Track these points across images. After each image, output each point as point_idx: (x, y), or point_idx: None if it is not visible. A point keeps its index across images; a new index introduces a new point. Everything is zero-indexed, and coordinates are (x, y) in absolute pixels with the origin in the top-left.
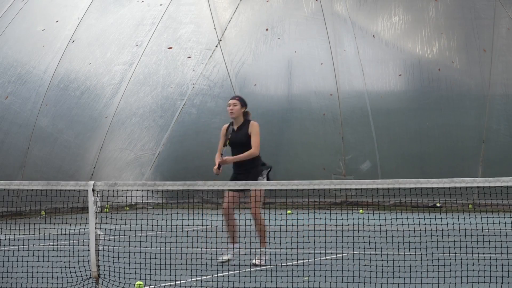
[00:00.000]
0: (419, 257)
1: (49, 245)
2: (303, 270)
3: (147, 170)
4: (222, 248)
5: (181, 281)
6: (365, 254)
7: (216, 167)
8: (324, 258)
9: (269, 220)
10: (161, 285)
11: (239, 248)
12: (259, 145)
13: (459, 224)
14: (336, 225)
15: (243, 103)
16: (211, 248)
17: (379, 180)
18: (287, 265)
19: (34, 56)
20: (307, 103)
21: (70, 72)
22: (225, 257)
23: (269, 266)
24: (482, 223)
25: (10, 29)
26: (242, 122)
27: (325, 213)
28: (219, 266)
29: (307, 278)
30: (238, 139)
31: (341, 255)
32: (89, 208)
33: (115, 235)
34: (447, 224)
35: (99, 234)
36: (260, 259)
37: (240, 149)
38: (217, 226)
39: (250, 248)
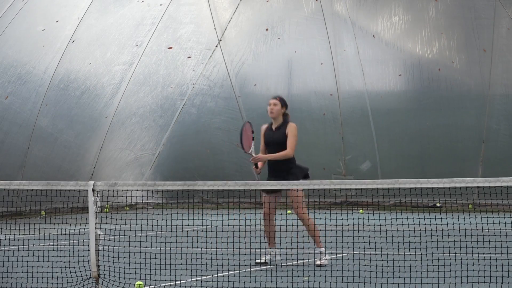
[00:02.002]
0: (419, 257)
1: (49, 245)
2: (303, 270)
3: (147, 170)
4: (255, 249)
5: (181, 281)
6: (365, 254)
7: (254, 167)
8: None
9: None
10: (161, 285)
11: (275, 254)
12: (294, 147)
13: (459, 224)
14: (336, 225)
15: (284, 104)
16: (211, 248)
17: (379, 180)
18: (287, 265)
19: (34, 56)
20: (307, 103)
21: (70, 72)
22: (263, 258)
23: (269, 266)
24: (482, 223)
25: (10, 29)
26: (281, 123)
27: (325, 213)
28: (219, 266)
29: (307, 278)
30: (275, 139)
31: (341, 255)
32: (89, 208)
33: (115, 235)
34: (447, 224)
35: (99, 234)
36: (320, 259)
37: (276, 148)
38: (217, 226)
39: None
